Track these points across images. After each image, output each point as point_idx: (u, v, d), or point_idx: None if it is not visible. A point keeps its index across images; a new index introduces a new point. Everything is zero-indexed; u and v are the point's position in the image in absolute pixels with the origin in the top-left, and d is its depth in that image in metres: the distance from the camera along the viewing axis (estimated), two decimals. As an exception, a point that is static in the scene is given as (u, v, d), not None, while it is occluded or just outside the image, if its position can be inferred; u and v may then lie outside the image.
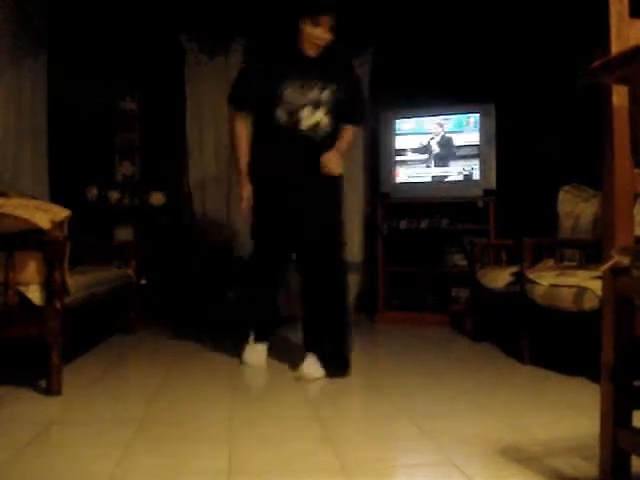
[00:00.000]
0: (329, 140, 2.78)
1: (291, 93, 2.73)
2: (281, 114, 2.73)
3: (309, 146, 2.74)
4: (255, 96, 2.79)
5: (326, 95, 2.77)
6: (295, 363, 2.70)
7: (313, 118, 2.75)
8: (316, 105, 2.75)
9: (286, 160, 2.75)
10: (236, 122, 2.85)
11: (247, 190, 2.82)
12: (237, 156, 2.86)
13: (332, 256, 2.74)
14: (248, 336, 2.99)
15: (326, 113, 2.77)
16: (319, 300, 2.71)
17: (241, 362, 2.92)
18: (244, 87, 2.84)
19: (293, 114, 2.73)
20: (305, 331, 2.80)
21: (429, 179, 4.46)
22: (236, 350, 3.03)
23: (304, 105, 2.73)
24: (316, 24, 2.71)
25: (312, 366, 2.61)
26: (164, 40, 4.59)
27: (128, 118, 4.74)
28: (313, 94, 2.76)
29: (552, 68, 4.27)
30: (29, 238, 2.25)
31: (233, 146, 2.92)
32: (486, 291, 3.42)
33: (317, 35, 2.72)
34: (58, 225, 2.28)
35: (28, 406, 2.14)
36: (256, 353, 2.94)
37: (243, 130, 2.84)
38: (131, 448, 1.67)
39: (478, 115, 4.35)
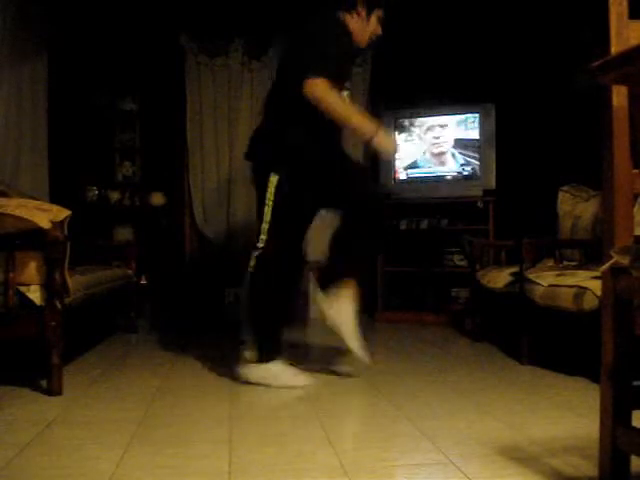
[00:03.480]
0: None
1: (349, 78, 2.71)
2: (346, 97, 2.59)
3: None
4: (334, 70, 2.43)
5: None
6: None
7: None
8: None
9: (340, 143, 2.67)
10: (331, 90, 2.37)
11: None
12: (353, 114, 2.46)
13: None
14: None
15: None
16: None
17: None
18: (335, 56, 2.45)
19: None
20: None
21: (429, 179, 4.47)
22: (236, 350, 3.02)
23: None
24: (380, 17, 2.65)
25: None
26: (164, 40, 4.59)
27: (128, 118, 4.75)
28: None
29: (552, 68, 4.27)
30: (29, 238, 2.25)
31: (341, 108, 2.42)
32: (486, 291, 3.42)
33: (377, 28, 2.67)
34: (58, 225, 2.28)
35: (28, 406, 2.14)
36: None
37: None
38: (131, 448, 1.67)
39: (478, 115, 4.35)
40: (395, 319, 4.46)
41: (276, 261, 2.51)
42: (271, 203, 2.49)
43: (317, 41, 2.48)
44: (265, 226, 2.50)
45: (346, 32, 2.55)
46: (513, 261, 3.35)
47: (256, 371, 2.48)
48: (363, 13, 2.61)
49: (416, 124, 4.51)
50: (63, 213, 2.33)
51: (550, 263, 3.10)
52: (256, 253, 2.51)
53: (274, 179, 2.49)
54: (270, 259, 2.50)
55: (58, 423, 1.94)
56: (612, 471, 1.27)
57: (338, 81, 2.45)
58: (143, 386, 2.46)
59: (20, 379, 2.45)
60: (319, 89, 2.35)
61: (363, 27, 2.62)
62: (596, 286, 2.26)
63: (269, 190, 2.48)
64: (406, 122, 4.53)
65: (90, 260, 3.54)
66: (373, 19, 2.64)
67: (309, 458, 1.61)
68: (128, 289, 3.82)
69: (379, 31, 2.68)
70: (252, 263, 2.52)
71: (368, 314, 4.66)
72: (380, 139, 2.45)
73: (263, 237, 2.50)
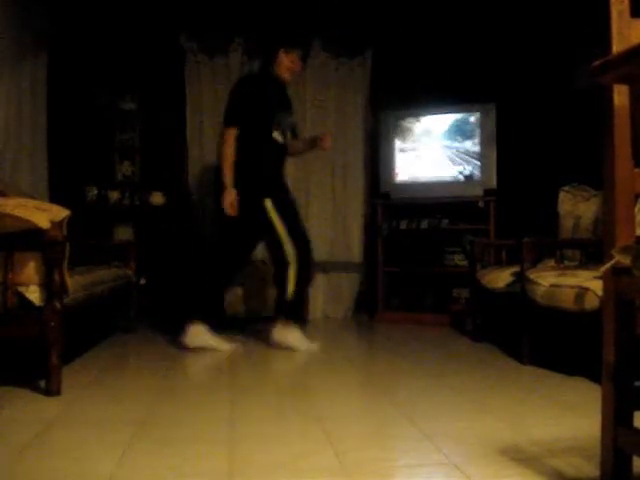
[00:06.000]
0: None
1: (282, 120, 3.32)
2: (277, 135, 3.29)
3: (284, 157, 3.44)
4: (249, 118, 3.21)
5: (293, 119, 3.49)
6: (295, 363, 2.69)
7: (288, 136, 3.42)
8: (290, 127, 3.43)
9: (279, 169, 3.38)
10: (231, 139, 3.17)
11: (233, 196, 3.16)
12: (228, 168, 3.17)
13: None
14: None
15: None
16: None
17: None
18: (242, 109, 3.23)
19: (285, 135, 3.35)
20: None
21: (429, 179, 4.46)
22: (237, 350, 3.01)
23: (287, 127, 3.39)
24: (299, 54, 3.28)
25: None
26: (164, 40, 4.59)
27: (128, 118, 4.74)
28: (291, 119, 3.44)
29: (552, 68, 4.27)
30: (29, 238, 2.24)
31: (225, 158, 3.19)
32: (486, 291, 3.41)
33: (298, 64, 3.29)
34: (58, 225, 2.28)
35: (28, 406, 2.13)
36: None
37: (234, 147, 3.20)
38: (131, 449, 1.67)
39: (478, 115, 4.35)
40: (395, 319, 4.45)
41: (303, 263, 3.23)
42: (278, 221, 3.17)
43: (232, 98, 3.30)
44: (285, 240, 3.18)
45: (264, 87, 3.27)
46: (514, 261, 3.34)
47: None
48: (282, 56, 3.25)
49: (416, 124, 4.51)
50: (62, 213, 2.33)
51: (551, 263, 3.09)
52: (293, 266, 3.18)
53: (269, 202, 3.17)
54: (301, 264, 3.21)
55: (57, 423, 1.93)
56: (613, 472, 1.26)
57: (267, 126, 3.22)
58: (143, 386, 2.46)
59: (19, 379, 2.44)
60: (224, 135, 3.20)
61: (284, 68, 3.27)
62: (597, 286, 2.26)
63: (270, 214, 3.17)
64: (406, 122, 4.53)
65: (90, 260, 3.53)
66: (292, 58, 3.26)
67: (309, 458, 1.60)
68: (128, 289, 3.81)
69: (298, 67, 3.33)
70: (293, 274, 3.20)
71: (368, 314, 4.66)
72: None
73: (288, 249, 3.18)
